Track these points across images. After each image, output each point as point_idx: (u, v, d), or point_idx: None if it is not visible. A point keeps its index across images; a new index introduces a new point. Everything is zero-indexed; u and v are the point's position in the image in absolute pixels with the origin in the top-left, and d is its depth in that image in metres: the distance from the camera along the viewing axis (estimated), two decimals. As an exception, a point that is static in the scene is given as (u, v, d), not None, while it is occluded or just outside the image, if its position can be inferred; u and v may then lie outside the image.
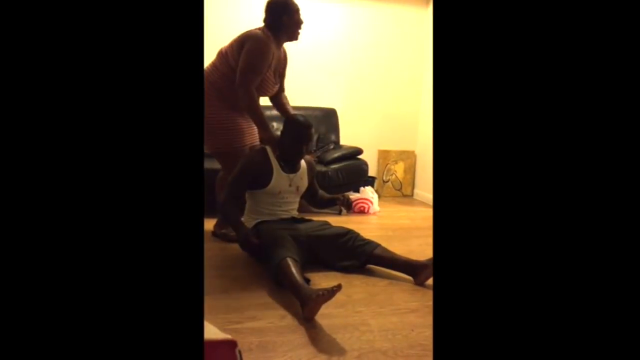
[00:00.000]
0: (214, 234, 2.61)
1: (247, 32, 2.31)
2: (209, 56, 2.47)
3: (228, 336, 0.98)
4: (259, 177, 2.18)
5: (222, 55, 2.35)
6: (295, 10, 2.31)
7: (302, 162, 2.32)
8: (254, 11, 3.79)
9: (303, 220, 2.31)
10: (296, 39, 2.39)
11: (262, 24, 2.35)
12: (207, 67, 2.40)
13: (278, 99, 2.55)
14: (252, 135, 2.46)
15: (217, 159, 2.49)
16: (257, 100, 2.29)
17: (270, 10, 2.30)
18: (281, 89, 2.55)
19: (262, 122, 2.29)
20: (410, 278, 2.04)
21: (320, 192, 2.51)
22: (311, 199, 2.50)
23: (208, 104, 2.32)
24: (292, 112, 2.50)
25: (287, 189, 2.23)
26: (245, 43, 2.25)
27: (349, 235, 2.16)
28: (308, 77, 3.95)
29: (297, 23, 2.32)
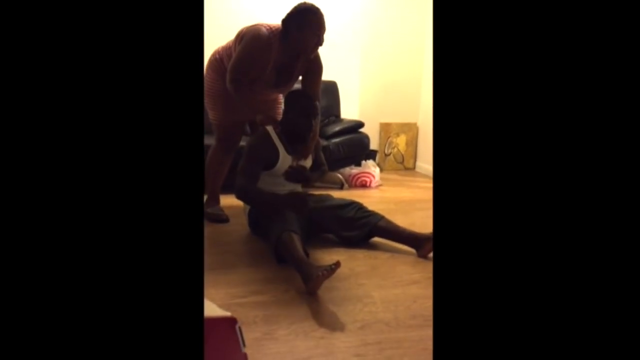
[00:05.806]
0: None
1: (250, 25, 2.20)
2: (209, 51, 2.42)
3: (227, 313, 0.99)
4: (265, 161, 2.14)
5: (236, 38, 2.26)
6: (312, 31, 2.07)
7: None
8: (254, 5, 3.73)
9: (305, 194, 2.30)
10: (309, 55, 2.18)
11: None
12: (224, 45, 2.35)
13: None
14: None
15: (214, 129, 2.50)
16: (244, 97, 2.20)
17: (290, 14, 2.11)
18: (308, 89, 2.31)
19: (253, 111, 2.26)
20: (412, 250, 2.05)
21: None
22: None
23: (211, 77, 2.37)
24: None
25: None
26: (243, 37, 2.17)
27: (352, 206, 2.15)
28: (307, 50, 3.90)
29: (309, 42, 2.10)
